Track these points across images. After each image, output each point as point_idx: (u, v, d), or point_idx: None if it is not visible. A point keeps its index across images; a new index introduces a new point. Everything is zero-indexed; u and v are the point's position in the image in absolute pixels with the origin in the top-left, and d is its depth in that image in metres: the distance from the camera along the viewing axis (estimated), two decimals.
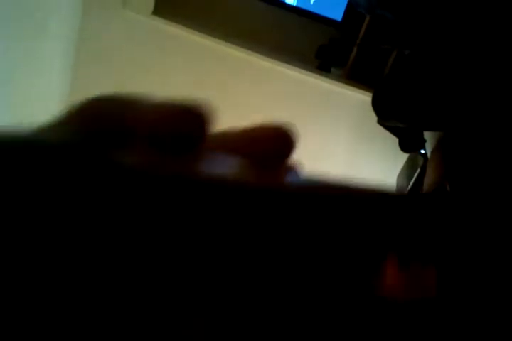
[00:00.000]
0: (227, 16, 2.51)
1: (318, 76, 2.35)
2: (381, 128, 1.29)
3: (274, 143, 0.23)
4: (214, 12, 2.53)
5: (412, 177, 1.36)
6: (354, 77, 2.33)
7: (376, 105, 0.85)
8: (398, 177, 1.56)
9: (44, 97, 2.45)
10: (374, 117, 1.08)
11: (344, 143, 2.48)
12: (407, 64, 0.81)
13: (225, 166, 0.18)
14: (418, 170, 1.31)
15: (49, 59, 2.35)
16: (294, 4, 2.41)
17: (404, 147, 1.00)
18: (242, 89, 2.46)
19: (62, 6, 2.28)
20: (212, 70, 2.42)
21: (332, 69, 2.39)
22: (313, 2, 2.39)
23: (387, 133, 1.12)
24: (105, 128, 0.18)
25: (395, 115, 0.80)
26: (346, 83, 2.33)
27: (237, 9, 2.53)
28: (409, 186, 1.33)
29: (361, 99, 2.31)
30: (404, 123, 0.80)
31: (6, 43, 2.00)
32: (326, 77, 2.36)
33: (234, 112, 2.50)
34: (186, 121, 0.19)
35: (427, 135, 0.83)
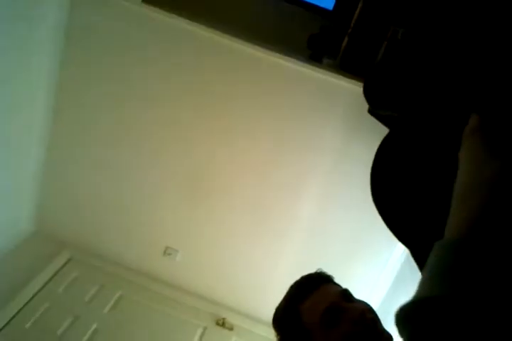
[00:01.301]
0: (217, 5, 2.49)
1: (310, 66, 2.34)
2: (372, 118, 1.29)
3: None
4: (204, 0, 2.50)
5: None
6: (346, 67, 2.32)
7: (367, 93, 0.84)
8: None
9: (32, 85, 2.43)
10: (365, 107, 1.07)
11: (335, 132, 2.48)
12: (398, 52, 0.80)
13: None
14: None
15: (38, 48, 2.32)
16: None
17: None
18: (230, 78, 2.44)
19: None
20: (200, 58, 2.41)
21: (324, 60, 2.38)
22: None
23: (378, 123, 1.12)
24: None
25: (385, 103, 0.79)
26: (338, 73, 2.33)
27: None
28: None
29: (353, 89, 2.31)
30: (395, 111, 0.80)
31: None
32: (318, 67, 2.34)
33: (222, 101, 2.50)
34: None
35: None
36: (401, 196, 0.68)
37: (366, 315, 1.04)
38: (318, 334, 1.04)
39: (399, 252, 2.57)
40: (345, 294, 1.09)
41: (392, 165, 0.72)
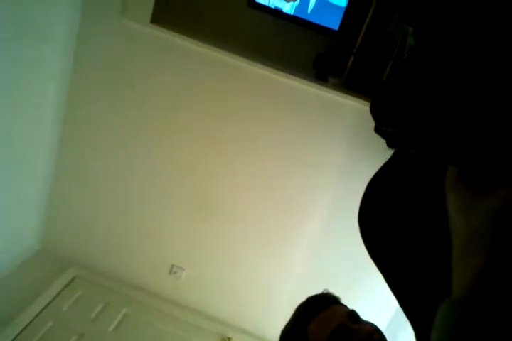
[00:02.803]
0: (225, 25, 2.53)
1: (315, 85, 2.36)
2: (377, 136, 1.29)
3: None
4: (211, 21, 2.54)
5: None
6: (351, 86, 2.34)
7: (375, 110, 0.84)
8: None
9: (42, 104, 2.45)
10: (371, 125, 1.07)
11: (341, 151, 2.48)
12: (407, 67, 0.80)
13: None
14: None
15: (48, 67, 2.36)
16: (292, 13, 2.42)
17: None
18: (239, 97, 2.46)
19: (62, 15, 2.29)
20: (210, 78, 2.43)
21: (329, 79, 2.40)
22: (311, 11, 2.40)
23: (383, 141, 1.12)
24: None
25: (393, 121, 0.79)
26: (343, 92, 2.34)
27: (235, 18, 2.54)
28: None
29: (358, 107, 2.32)
30: (402, 129, 0.79)
31: (8, 50, 2.01)
32: (324, 86, 2.36)
33: (231, 119, 2.51)
34: None
35: None
36: (392, 239, 0.66)
37: (374, 336, 1.03)
38: None
39: None
40: (353, 315, 1.08)
41: (385, 201, 0.70)
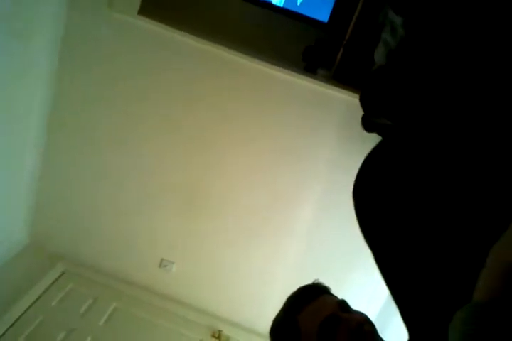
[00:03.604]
0: (213, 17, 2.51)
1: (304, 77, 2.35)
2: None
3: None
4: (199, 12, 2.52)
5: None
6: (340, 78, 2.34)
7: (364, 101, 0.84)
8: None
9: (29, 99, 2.43)
10: (359, 117, 1.07)
11: (330, 143, 2.48)
12: (395, 61, 0.80)
13: None
14: None
15: (36, 65, 2.33)
16: (281, 5, 2.41)
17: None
18: (227, 89, 2.45)
19: (48, 7, 2.26)
20: (198, 70, 2.42)
21: (318, 71, 2.40)
22: (300, 3, 2.39)
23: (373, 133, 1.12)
24: None
25: (382, 111, 0.79)
26: (332, 84, 2.34)
27: (223, 10, 2.53)
28: None
29: (348, 99, 2.32)
30: (391, 119, 0.79)
31: None
32: (314, 78, 2.36)
33: (219, 111, 2.50)
34: None
35: None
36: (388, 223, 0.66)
37: (364, 326, 1.03)
38: None
39: None
40: (343, 305, 1.08)
41: (380, 186, 0.69)
